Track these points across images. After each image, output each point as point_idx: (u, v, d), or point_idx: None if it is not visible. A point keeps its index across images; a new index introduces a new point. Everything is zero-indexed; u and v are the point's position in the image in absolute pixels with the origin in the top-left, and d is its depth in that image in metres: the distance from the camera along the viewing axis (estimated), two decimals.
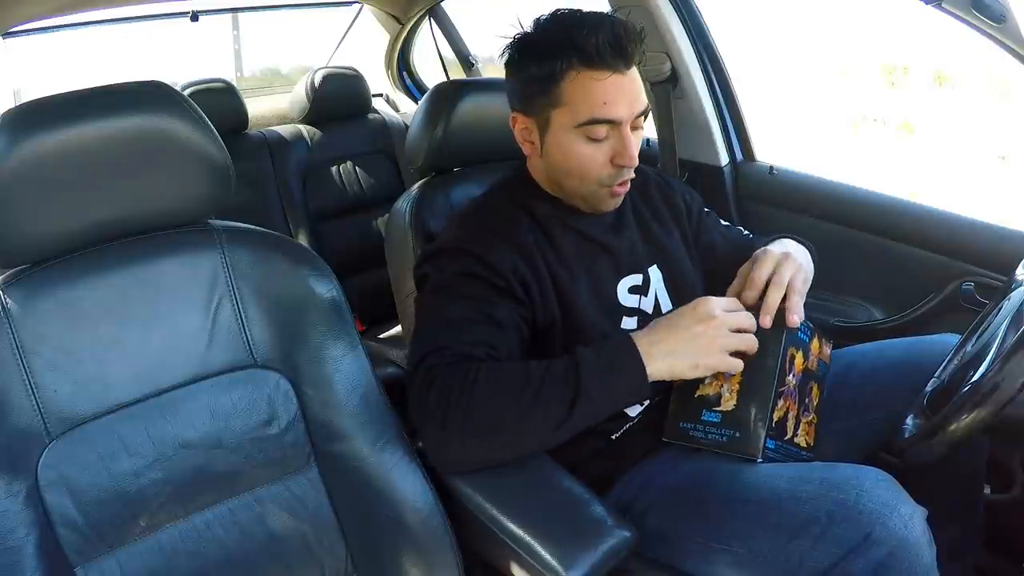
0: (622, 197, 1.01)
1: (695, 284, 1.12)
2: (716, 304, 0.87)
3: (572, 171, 0.97)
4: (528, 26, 0.96)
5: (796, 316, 0.91)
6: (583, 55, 0.90)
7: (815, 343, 0.97)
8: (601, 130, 0.93)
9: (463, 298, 0.91)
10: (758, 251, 1.00)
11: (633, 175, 0.99)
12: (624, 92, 0.92)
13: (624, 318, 1.03)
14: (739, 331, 0.87)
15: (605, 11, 0.95)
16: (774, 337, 0.90)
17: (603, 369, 0.84)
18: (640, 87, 0.96)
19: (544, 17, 0.96)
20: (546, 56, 0.92)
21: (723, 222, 1.23)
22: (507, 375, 0.84)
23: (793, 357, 0.91)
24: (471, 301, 0.91)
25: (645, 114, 0.97)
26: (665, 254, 1.10)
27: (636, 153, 0.95)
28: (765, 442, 0.87)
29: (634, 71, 0.94)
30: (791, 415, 0.90)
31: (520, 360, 0.91)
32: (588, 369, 0.84)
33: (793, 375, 0.91)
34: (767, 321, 0.90)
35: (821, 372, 0.98)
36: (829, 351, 1.00)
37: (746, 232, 1.24)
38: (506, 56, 0.99)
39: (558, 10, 0.95)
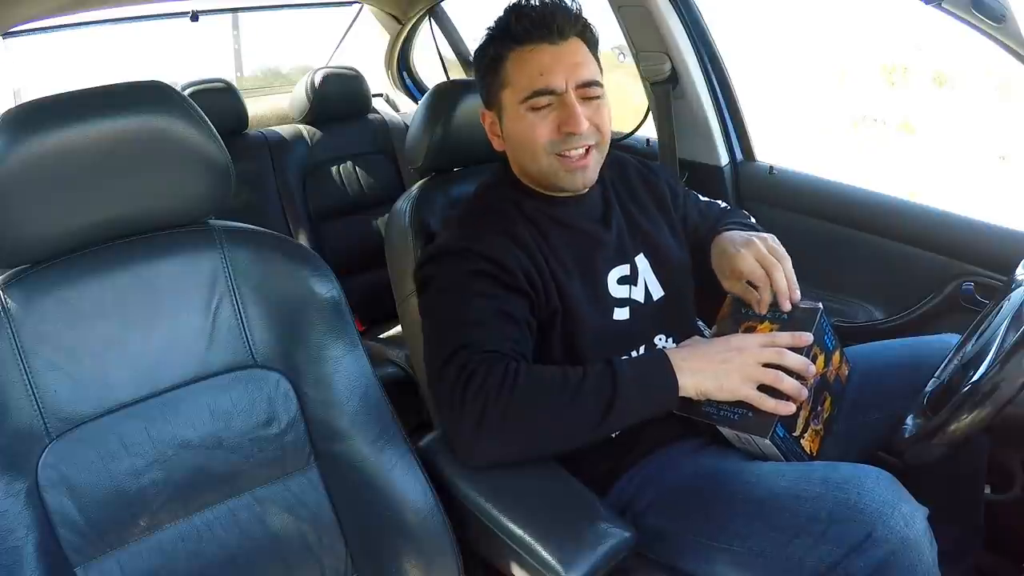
0: (585, 171, 1.00)
1: (684, 268, 1.13)
2: (753, 340, 0.90)
3: (524, 147, 1.01)
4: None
5: (796, 293, 0.97)
6: (514, 36, 0.98)
7: (836, 357, 0.97)
8: (542, 100, 0.97)
9: (478, 296, 0.93)
10: (725, 250, 1.03)
11: (585, 144, 0.98)
12: (560, 61, 0.97)
13: (616, 309, 1.03)
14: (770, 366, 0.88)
15: None
16: (807, 319, 0.93)
17: (638, 378, 0.87)
18: (585, 58, 0.99)
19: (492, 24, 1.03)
20: (490, 46, 1.01)
21: (701, 198, 1.24)
22: (546, 377, 0.87)
23: (816, 357, 0.91)
24: (487, 299, 0.93)
25: (589, 84, 0.98)
26: (651, 242, 1.10)
27: (584, 121, 0.96)
28: (776, 426, 0.87)
29: (574, 43, 0.99)
30: (802, 414, 0.90)
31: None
32: (624, 377, 0.86)
33: (812, 374, 0.91)
34: (792, 301, 0.96)
35: (836, 388, 0.98)
36: (847, 372, 1.01)
37: (723, 205, 1.25)
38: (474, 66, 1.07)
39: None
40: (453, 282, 0.95)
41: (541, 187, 1.05)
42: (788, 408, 0.86)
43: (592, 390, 0.86)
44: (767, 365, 0.87)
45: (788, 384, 0.86)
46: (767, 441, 0.87)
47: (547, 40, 0.97)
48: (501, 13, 1.02)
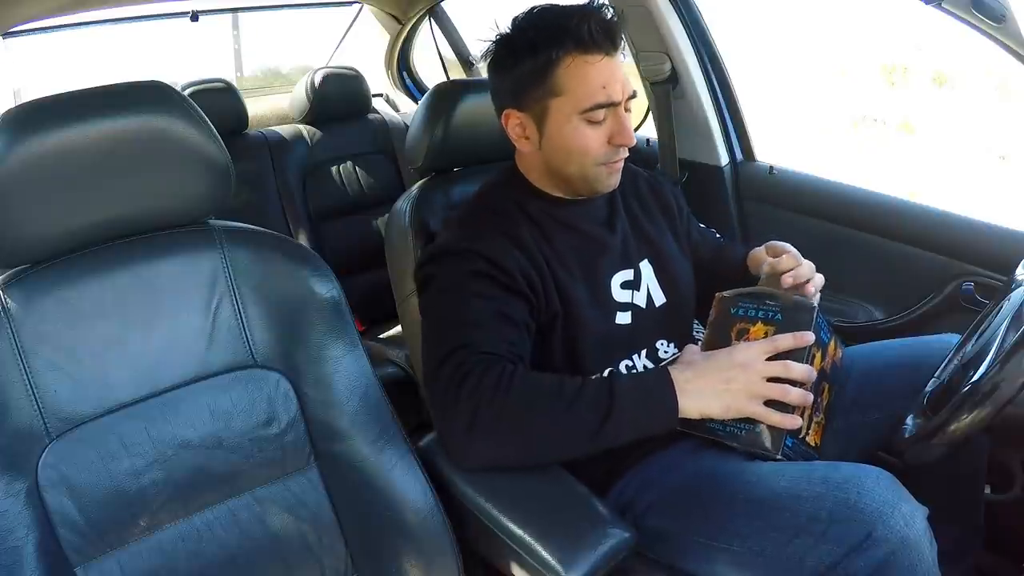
0: (619, 175, 1.03)
1: (687, 277, 1.13)
2: (755, 352, 0.86)
3: (574, 156, 0.99)
4: (508, 26, 0.99)
5: (809, 288, 0.99)
6: (577, 41, 0.93)
7: (832, 345, 0.96)
8: (601, 113, 0.96)
9: (477, 297, 0.92)
10: (769, 244, 1.06)
11: (627, 152, 1.01)
12: (617, 75, 0.96)
13: (618, 313, 1.03)
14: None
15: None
16: (803, 320, 0.90)
17: (637, 395, 0.85)
18: (624, 70, 0.99)
19: (525, 15, 0.98)
20: (540, 47, 0.95)
21: (698, 224, 1.27)
22: (542, 383, 0.86)
23: (814, 356, 0.91)
24: (486, 300, 0.92)
25: (633, 96, 1.00)
26: (655, 248, 1.11)
27: (632, 132, 0.98)
28: (785, 438, 0.86)
29: (619, 55, 0.98)
30: (806, 413, 0.89)
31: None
32: (622, 392, 0.85)
33: (814, 379, 0.90)
34: (811, 289, 0.98)
35: (834, 375, 0.97)
36: (841, 354, 1.00)
37: (718, 235, 1.29)
38: (490, 57, 1.01)
39: (536, 7, 0.98)
40: (453, 282, 0.95)
41: (568, 188, 1.04)
42: (794, 422, 0.85)
43: (589, 401, 0.84)
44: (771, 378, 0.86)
45: (794, 396, 0.84)
46: (778, 456, 0.86)
47: (607, 51, 0.95)
48: (535, 14, 0.97)
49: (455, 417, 0.84)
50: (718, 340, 0.95)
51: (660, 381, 0.86)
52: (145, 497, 0.81)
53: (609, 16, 0.95)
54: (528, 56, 0.96)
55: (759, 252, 1.08)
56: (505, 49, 0.99)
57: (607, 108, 0.96)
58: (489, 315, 0.91)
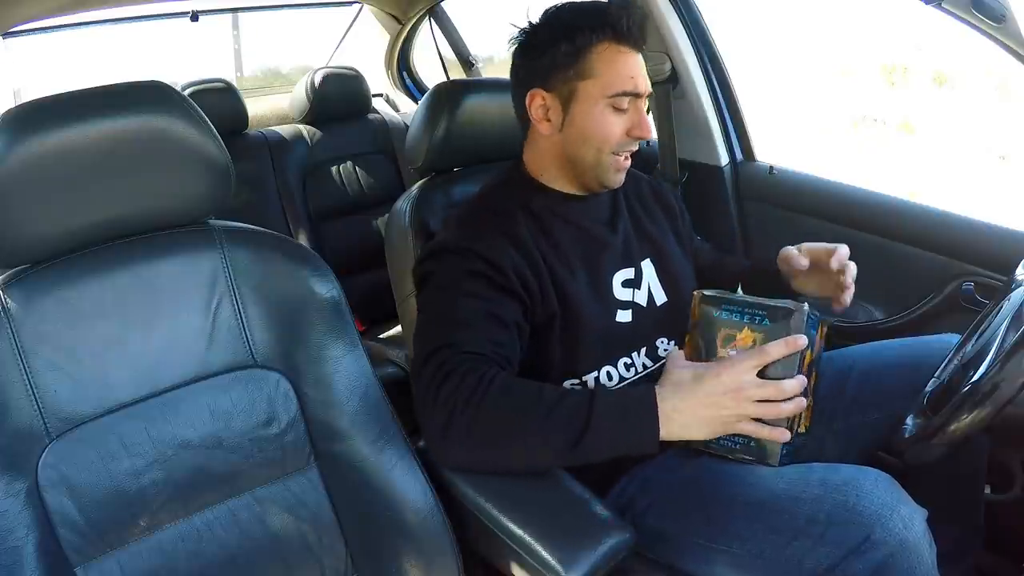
0: (624, 174, 1.05)
1: (689, 277, 1.14)
2: (745, 369, 0.81)
3: (592, 140, 1.01)
4: (540, 16, 1.03)
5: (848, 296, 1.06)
6: (616, 30, 0.98)
7: (818, 335, 0.92)
8: (625, 101, 0.99)
9: (469, 296, 0.92)
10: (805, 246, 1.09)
11: (636, 147, 1.04)
12: (642, 70, 1.01)
13: (619, 311, 1.04)
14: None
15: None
16: (793, 325, 0.85)
17: (616, 416, 0.82)
18: None
19: (560, 6, 1.02)
20: (577, 31, 0.99)
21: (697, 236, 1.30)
22: (521, 391, 0.85)
23: (804, 356, 0.89)
24: (477, 299, 0.92)
25: (650, 95, 1.04)
26: (657, 248, 1.12)
27: (650, 127, 1.03)
28: (780, 447, 0.85)
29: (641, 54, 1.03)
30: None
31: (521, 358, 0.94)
32: (601, 411, 0.81)
33: (801, 374, 0.89)
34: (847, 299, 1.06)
35: (818, 356, 0.92)
36: (826, 331, 0.95)
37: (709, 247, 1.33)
38: (524, 38, 1.04)
39: (567, 2, 1.03)
40: (447, 280, 0.96)
41: (575, 179, 1.06)
42: (784, 435, 0.83)
43: (567, 415, 0.82)
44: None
45: (787, 411, 0.82)
46: (778, 466, 0.85)
47: (637, 46, 1.01)
48: (570, 5, 1.02)
49: (432, 416, 0.84)
50: (703, 346, 0.91)
51: (644, 404, 0.82)
52: (145, 497, 0.81)
53: (640, 17, 1.00)
54: (563, 39, 0.99)
55: (791, 249, 1.07)
56: (540, 33, 1.02)
57: (631, 97, 0.99)
58: (480, 315, 0.91)
